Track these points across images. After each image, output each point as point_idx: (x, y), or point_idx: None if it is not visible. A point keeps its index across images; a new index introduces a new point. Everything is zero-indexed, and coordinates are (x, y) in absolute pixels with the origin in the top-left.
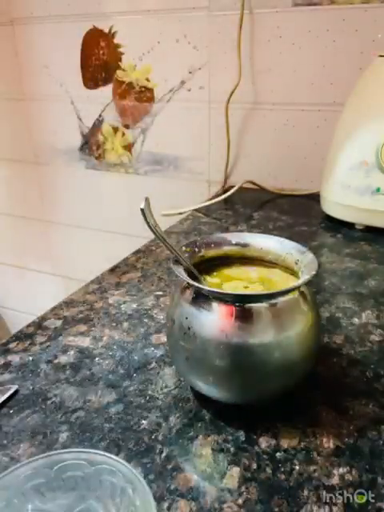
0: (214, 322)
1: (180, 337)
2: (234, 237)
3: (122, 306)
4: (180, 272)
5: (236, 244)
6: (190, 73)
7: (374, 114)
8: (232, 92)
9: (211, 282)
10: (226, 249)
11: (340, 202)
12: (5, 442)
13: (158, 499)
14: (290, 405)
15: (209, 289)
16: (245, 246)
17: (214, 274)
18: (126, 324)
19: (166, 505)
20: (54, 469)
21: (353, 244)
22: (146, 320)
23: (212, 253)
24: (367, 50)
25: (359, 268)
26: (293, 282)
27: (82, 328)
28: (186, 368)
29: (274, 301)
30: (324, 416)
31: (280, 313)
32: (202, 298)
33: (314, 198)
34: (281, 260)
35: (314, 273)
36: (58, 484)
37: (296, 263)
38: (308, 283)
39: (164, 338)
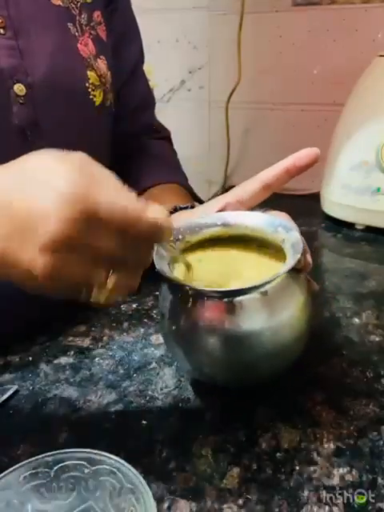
0: (202, 316)
1: (171, 330)
2: (217, 218)
3: (122, 306)
4: (163, 269)
5: (221, 224)
6: (190, 72)
7: (374, 114)
8: (232, 92)
9: (197, 271)
10: (211, 230)
11: (340, 202)
12: (4, 441)
13: (158, 500)
14: (291, 405)
15: (194, 287)
16: (229, 225)
17: (200, 260)
18: (125, 324)
19: (165, 505)
20: (53, 469)
21: (353, 244)
22: (145, 320)
23: (197, 237)
24: (367, 50)
25: (359, 268)
26: (280, 264)
27: (82, 328)
28: (182, 360)
29: (262, 289)
30: (324, 416)
31: (269, 299)
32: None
33: (314, 197)
34: (268, 238)
35: (299, 256)
36: (57, 484)
37: (282, 242)
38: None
39: None
